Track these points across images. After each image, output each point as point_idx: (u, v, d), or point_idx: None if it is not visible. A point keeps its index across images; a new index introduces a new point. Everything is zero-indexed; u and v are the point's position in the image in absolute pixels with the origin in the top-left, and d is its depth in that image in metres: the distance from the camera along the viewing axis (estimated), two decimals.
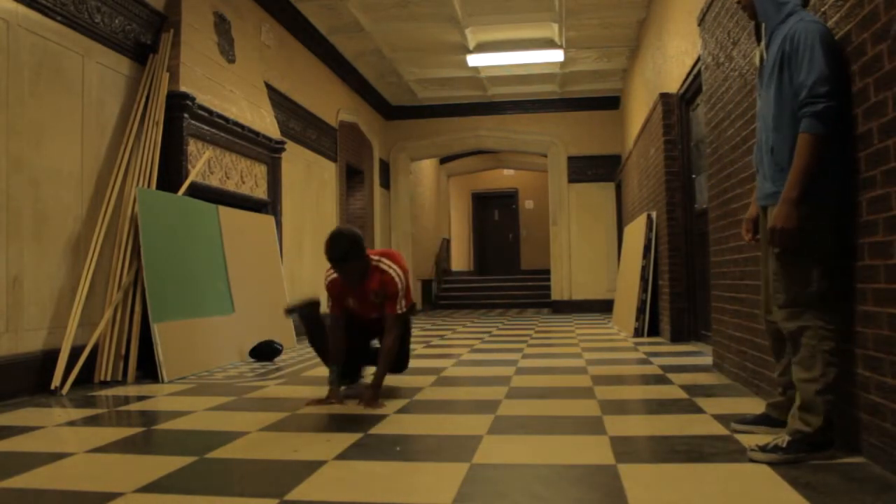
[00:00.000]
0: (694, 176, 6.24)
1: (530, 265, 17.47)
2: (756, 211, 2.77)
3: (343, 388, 3.75)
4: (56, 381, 4.05)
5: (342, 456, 2.52)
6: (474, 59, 9.50)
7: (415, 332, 8.27)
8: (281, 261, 6.65)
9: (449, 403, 3.69)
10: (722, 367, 4.25)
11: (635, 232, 7.81)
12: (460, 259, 18.28)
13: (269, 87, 7.06)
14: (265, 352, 5.45)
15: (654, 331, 6.90)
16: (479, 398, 3.72)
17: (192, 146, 5.35)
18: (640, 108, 8.82)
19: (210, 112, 5.47)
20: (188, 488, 2.19)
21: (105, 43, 4.66)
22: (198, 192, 5.43)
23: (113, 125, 4.78)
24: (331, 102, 9.20)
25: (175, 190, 5.08)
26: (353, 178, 10.67)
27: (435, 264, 15.15)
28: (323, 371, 4.97)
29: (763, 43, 2.59)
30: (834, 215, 2.41)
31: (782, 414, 2.61)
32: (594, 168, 11.85)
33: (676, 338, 6.25)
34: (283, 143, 6.82)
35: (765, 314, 2.75)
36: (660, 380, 4.20)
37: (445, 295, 15.17)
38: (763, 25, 2.58)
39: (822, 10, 2.59)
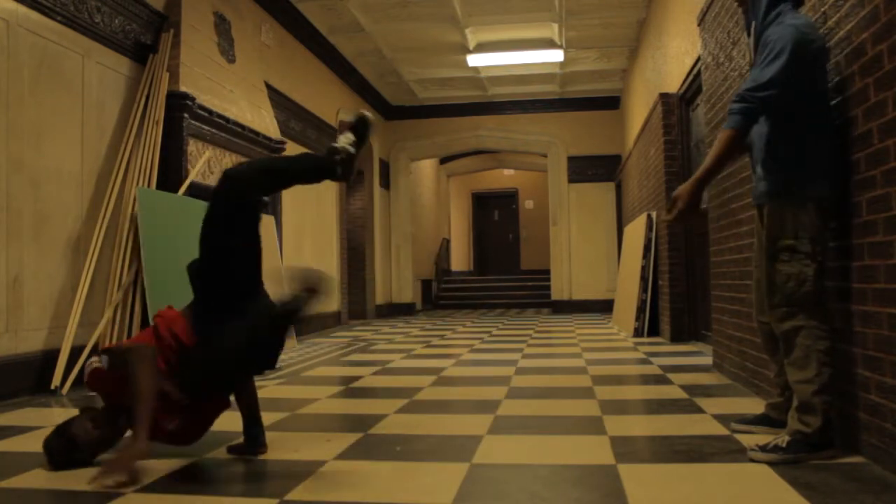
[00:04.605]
0: None
1: (530, 265, 17.46)
2: None
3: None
4: (56, 381, 4.05)
5: (342, 456, 2.52)
6: (474, 59, 9.50)
7: (415, 331, 8.29)
8: (281, 261, 6.65)
9: (449, 403, 3.69)
10: (722, 367, 4.25)
11: (635, 232, 7.80)
12: (460, 259, 18.28)
13: (269, 87, 7.05)
14: None
15: (654, 331, 6.89)
16: (479, 398, 3.72)
17: (192, 146, 5.34)
18: (640, 108, 8.82)
19: (210, 112, 5.46)
20: (188, 488, 2.19)
21: (105, 43, 4.66)
22: (198, 192, 5.42)
23: (113, 125, 4.78)
24: (331, 102, 9.20)
25: (175, 190, 5.08)
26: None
27: (435, 264, 15.15)
28: (325, 371, 4.97)
29: (751, 41, 2.59)
30: (829, 214, 2.42)
31: (782, 414, 2.61)
32: (594, 168, 11.84)
33: (676, 338, 6.25)
34: (283, 143, 6.81)
35: (757, 315, 2.76)
36: (660, 380, 4.20)
37: (445, 295, 15.17)
38: (752, 24, 2.59)
39: (822, 10, 2.59)
